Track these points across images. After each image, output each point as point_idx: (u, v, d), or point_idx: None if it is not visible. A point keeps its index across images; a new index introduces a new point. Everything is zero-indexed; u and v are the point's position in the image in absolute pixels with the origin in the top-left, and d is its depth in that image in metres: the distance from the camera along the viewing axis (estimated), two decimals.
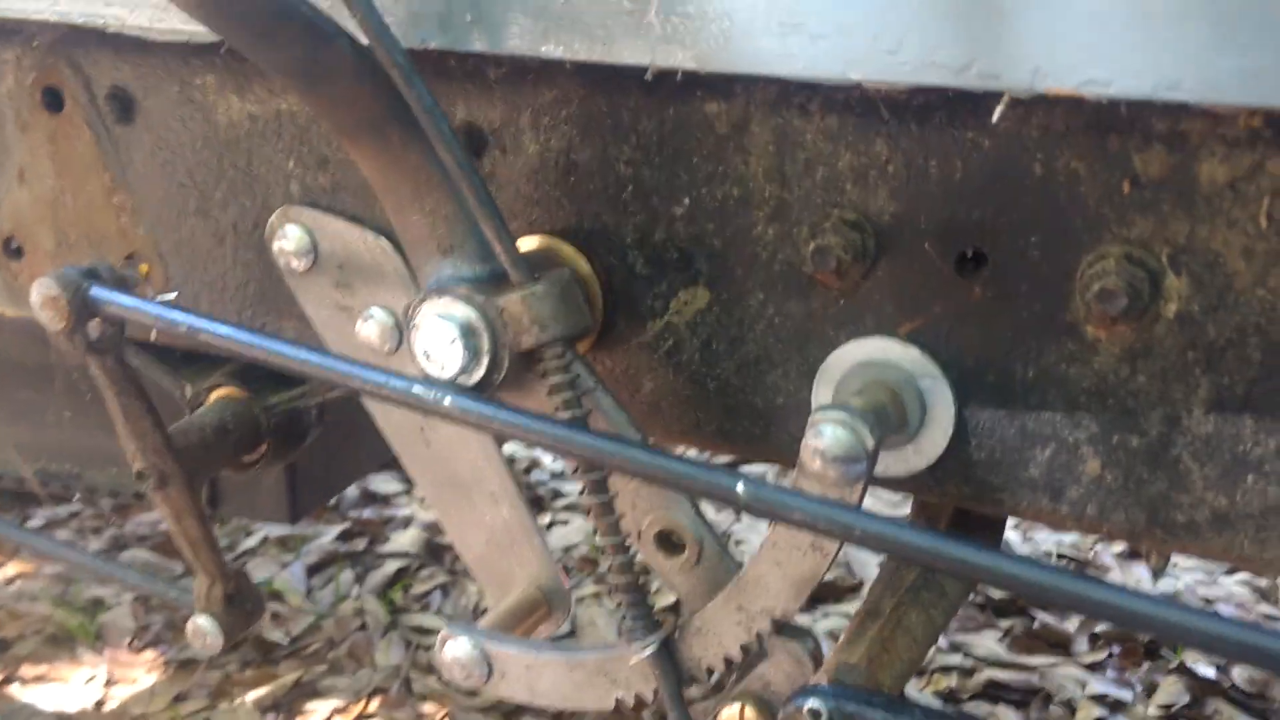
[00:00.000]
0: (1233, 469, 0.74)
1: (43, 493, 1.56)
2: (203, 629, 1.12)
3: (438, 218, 0.79)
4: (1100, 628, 2.38)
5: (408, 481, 2.88)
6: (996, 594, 2.43)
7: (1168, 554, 1.59)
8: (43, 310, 0.93)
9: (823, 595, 2.46)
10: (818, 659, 0.81)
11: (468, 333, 0.78)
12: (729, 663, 0.82)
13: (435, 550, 2.63)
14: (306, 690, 2.19)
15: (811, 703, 0.65)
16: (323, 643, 2.37)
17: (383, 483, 2.89)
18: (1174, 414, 0.75)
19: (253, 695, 2.15)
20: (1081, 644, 2.34)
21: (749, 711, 0.82)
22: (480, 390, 0.79)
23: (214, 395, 1.16)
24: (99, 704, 2.14)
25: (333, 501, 2.76)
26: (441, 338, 0.79)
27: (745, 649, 0.81)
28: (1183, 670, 2.25)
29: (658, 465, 0.71)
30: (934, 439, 0.79)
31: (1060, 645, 2.34)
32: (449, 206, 0.79)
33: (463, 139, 0.86)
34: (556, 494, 2.88)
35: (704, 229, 0.85)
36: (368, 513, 2.83)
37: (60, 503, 2.56)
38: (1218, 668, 2.24)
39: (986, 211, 0.76)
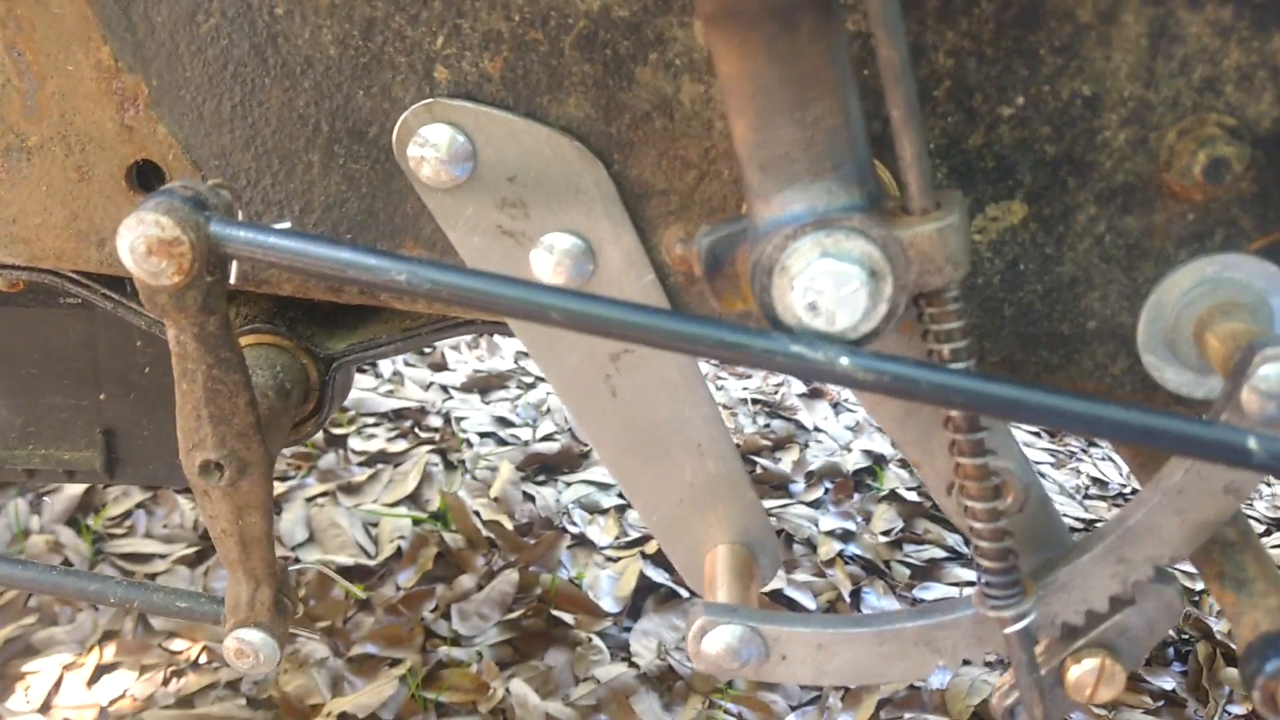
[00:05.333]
0: None
1: None
2: (253, 645, 0.87)
3: (819, 131, 0.61)
4: (811, 467, 2.50)
5: None
6: None
7: None
8: (148, 260, 0.63)
9: (558, 464, 2.42)
10: (1184, 601, 0.76)
11: (873, 275, 0.62)
12: (1089, 616, 0.75)
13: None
14: (19, 648, 1.81)
15: None
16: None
17: None
18: None
19: None
20: (799, 484, 2.45)
21: (1108, 662, 0.75)
22: (862, 345, 0.64)
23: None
24: None
25: None
26: (836, 282, 0.62)
27: (1115, 599, 0.74)
28: (893, 496, 2.43)
29: (1146, 423, 0.61)
30: None
31: (781, 487, 2.43)
32: (836, 118, 0.61)
33: None
34: None
35: (1036, 133, 0.73)
36: None
37: None
38: (916, 490, 2.42)
39: None
